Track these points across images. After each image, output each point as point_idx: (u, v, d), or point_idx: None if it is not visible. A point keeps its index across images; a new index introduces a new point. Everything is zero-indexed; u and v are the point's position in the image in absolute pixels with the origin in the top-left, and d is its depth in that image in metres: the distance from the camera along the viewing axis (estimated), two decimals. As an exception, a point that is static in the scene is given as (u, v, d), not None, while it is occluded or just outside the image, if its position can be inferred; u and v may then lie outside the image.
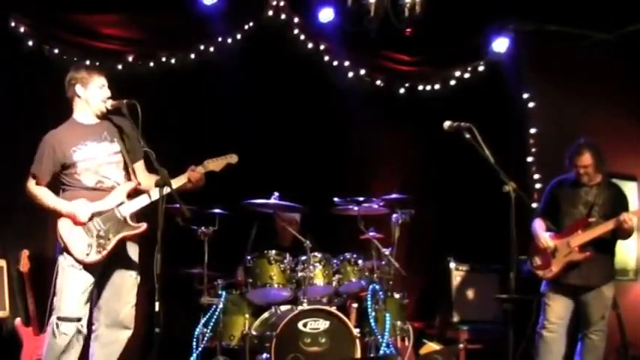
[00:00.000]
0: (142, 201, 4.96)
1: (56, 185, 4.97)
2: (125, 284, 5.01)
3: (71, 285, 4.82)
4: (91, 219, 4.81)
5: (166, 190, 4.59)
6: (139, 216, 5.02)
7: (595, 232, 6.04)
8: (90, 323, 4.95)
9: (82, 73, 5.04)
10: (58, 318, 4.79)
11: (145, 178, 5.11)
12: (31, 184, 4.92)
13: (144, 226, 4.97)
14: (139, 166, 5.15)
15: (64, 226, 4.83)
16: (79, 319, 4.83)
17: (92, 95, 5.01)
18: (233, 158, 5.31)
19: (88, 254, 4.79)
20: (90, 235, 4.82)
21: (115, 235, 4.87)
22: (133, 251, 5.07)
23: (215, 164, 5.22)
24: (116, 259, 4.94)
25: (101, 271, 4.92)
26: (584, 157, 6.13)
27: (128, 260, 5.01)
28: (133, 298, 5.04)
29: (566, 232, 6.17)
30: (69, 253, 4.81)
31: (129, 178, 5.05)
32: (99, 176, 4.94)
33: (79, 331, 4.84)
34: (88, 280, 4.86)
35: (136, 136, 4.92)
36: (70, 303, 4.81)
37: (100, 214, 4.84)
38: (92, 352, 4.99)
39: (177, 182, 4.91)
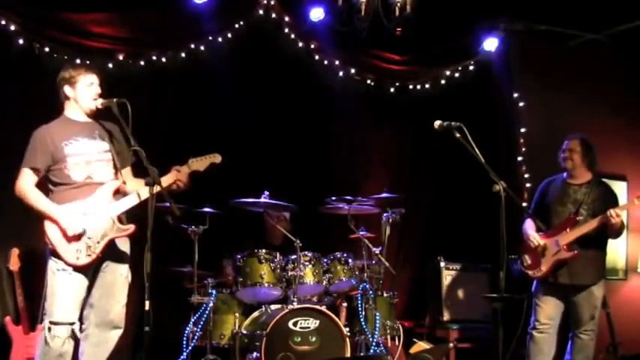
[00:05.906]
0: (130, 201, 4.93)
1: (45, 184, 4.91)
2: (116, 283, 4.97)
3: (64, 289, 4.76)
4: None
5: (156, 188, 4.56)
6: (127, 216, 5.01)
7: (582, 229, 6.08)
8: (80, 322, 4.88)
9: (69, 73, 5.00)
10: (51, 322, 4.74)
11: (132, 183, 5.07)
12: (23, 182, 4.82)
13: (132, 227, 4.95)
14: (126, 172, 5.13)
15: (51, 229, 4.76)
16: (72, 323, 4.78)
17: (81, 94, 4.98)
18: (217, 157, 5.27)
19: (78, 258, 4.75)
20: (79, 238, 4.78)
21: (104, 237, 4.83)
22: (124, 245, 5.03)
23: (199, 163, 5.17)
24: (107, 257, 4.91)
25: (93, 271, 4.89)
26: (573, 142, 6.29)
27: (119, 257, 4.98)
28: (124, 297, 5.01)
29: (555, 230, 6.20)
30: (58, 256, 4.75)
31: (116, 178, 5.03)
32: (88, 172, 4.89)
33: (72, 335, 4.79)
34: (82, 282, 4.82)
35: (124, 142, 4.92)
36: (63, 307, 4.76)
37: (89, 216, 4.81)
38: (82, 351, 4.93)
39: (164, 182, 4.85)
